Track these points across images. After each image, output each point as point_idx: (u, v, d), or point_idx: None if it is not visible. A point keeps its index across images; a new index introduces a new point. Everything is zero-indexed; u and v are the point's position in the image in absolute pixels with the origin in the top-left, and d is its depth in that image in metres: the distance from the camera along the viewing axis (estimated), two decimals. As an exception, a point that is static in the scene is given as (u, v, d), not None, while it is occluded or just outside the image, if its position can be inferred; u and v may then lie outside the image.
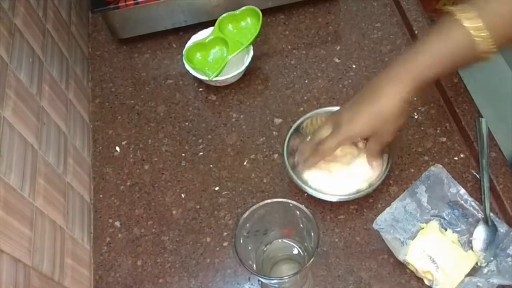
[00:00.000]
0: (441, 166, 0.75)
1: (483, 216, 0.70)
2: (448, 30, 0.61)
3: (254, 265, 0.63)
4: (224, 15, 0.92)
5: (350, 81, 0.90)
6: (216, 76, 0.87)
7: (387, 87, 0.66)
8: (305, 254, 0.65)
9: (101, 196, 0.84)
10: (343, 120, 0.69)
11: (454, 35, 0.60)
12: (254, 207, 0.61)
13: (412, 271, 0.69)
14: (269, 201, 0.61)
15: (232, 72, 0.88)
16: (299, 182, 0.74)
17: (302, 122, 0.80)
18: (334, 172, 0.75)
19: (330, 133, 0.70)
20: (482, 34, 0.58)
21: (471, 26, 0.58)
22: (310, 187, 0.74)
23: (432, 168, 0.75)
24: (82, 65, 0.96)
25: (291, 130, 0.79)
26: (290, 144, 0.78)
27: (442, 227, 0.71)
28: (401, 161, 0.79)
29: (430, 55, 0.63)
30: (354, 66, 0.91)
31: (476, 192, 0.74)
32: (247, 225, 0.62)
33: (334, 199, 0.74)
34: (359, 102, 0.69)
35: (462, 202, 0.72)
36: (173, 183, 0.83)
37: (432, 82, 0.67)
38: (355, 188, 0.74)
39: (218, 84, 0.91)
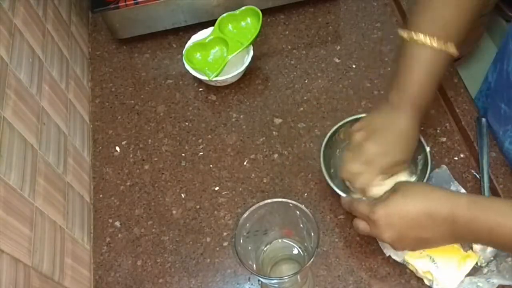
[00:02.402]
0: (445, 167, 0.75)
1: (483, 216, 0.70)
2: (417, 55, 0.67)
3: (254, 265, 0.63)
4: (224, 15, 0.92)
5: (350, 81, 0.90)
6: (216, 76, 0.87)
7: (401, 126, 0.69)
8: (305, 254, 0.65)
9: (101, 196, 0.84)
10: (375, 157, 0.69)
11: (424, 57, 0.67)
12: (254, 207, 0.61)
13: (412, 271, 0.69)
14: (269, 201, 0.61)
15: (232, 72, 0.88)
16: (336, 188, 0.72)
17: (337, 130, 0.77)
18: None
19: (364, 168, 0.70)
20: (440, 42, 0.66)
21: (429, 42, 0.66)
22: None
23: (437, 170, 0.75)
24: (82, 65, 0.96)
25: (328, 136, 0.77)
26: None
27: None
28: (401, 161, 0.79)
29: (419, 86, 0.68)
30: (354, 66, 0.91)
31: (476, 192, 0.74)
32: (247, 225, 0.62)
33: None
34: (384, 138, 0.69)
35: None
36: (173, 183, 0.83)
37: (429, 106, 0.71)
38: None
39: (218, 84, 0.91)
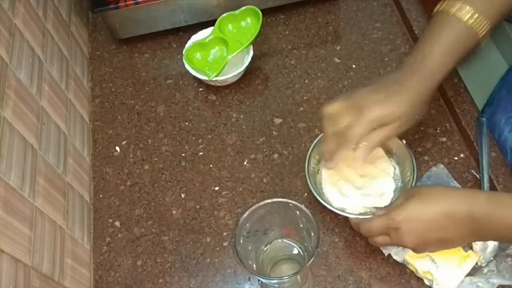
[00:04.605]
0: (442, 166, 0.75)
1: (483, 216, 0.70)
2: (445, 25, 0.64)
3: (254, 265, 0.63)
4: (224, 15, 0.92)
5: (350, 81, 0.90)
6: (216, 76, 0.87)
7: (408, 82, 0.65)
8: (305, 254, 0.65)
9: (101, 196, 0.84)
10: (370, 102, 0.64)
11: (452, 28, 0.64)
12: (254, 207, 0.61)
13: (412, 271, 0.69)
14: (269, 201, 0.61)
15: (232, 72, 0.88)
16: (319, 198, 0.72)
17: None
18: (352, 190, 0.74)
19: (355, 118, 0.65)
20: (475, 17, 0.63)
21: (463, 15, 0.63)
22: (332, 206, 0.72)
23: (434, 168, 0.76)
24: (82, 65, 0.96)
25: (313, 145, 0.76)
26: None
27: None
28: (401, 161, 0.79)
29: (437, 55, 0.65)
30: (354, 66, 0.91)
31: (476, 192, 0.74)
32: (247, 225, 0.62)
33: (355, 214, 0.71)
34: (384, 86, 0.65)
35: (462, 202, 0.72)
36: (173, 183, 0.83)
37: (446, 77, 0.67)
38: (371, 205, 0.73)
39: (218, 84, 0.91)
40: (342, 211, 0.71)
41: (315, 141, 0.76)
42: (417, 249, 0.63)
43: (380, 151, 0.76)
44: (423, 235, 0.61)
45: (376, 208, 0.69)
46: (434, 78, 0.65)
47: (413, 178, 0.71)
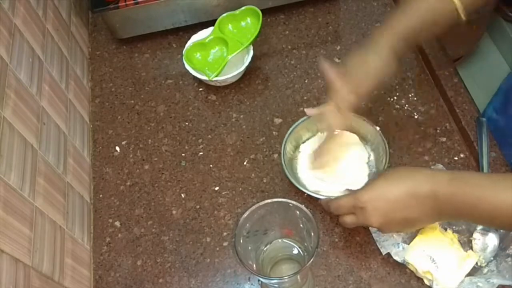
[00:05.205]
0: (441, 166, 0.75)
1: (483, 216, 0.70)
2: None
3: (254, 265, 0.63)
4: (224, 15, 0.92)
5: (350, 81, 0.90)
6: (216, 76, 0.87)
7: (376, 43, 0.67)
8: (305, 254, 0.65)
9: (101, 196, 0.84)
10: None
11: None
12: (254, 207, 0.61)
13: (412, 271, 0.69)
14: (269, 201, 0.61)
15: (232, 72, 0.88)
16: (297, 184, 0.75)
17: (296, 127, 0.79)
18: (329, 175, 0.76)
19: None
20: None
21: None
22: (308, 190, 0.74)
23: (433, 168, 0.76)
24: (82, 65, 0.96)
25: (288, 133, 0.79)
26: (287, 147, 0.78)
27: (442, 227, 0.71)
28: (401, 161, 0.79)
29: (412, 16, 0.66)
30: (354, 66, 0.91)
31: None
32: (247, 225, 0.62)
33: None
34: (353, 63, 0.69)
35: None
36: (173, 183, 0.83)
37: (415, 40, 0.69)
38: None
39: (218, 84, 0.91)
40: (317, 193, 0.73)
41: (292, 127, 0.79)
42: (383, 229, 0.64)
43: (355, 138, 0.78)
44: (388, 215, 0.62)
45: (348, 190, 0.71)
46: (400, 48, 0.67)
47: (387, 163, 0.73)
